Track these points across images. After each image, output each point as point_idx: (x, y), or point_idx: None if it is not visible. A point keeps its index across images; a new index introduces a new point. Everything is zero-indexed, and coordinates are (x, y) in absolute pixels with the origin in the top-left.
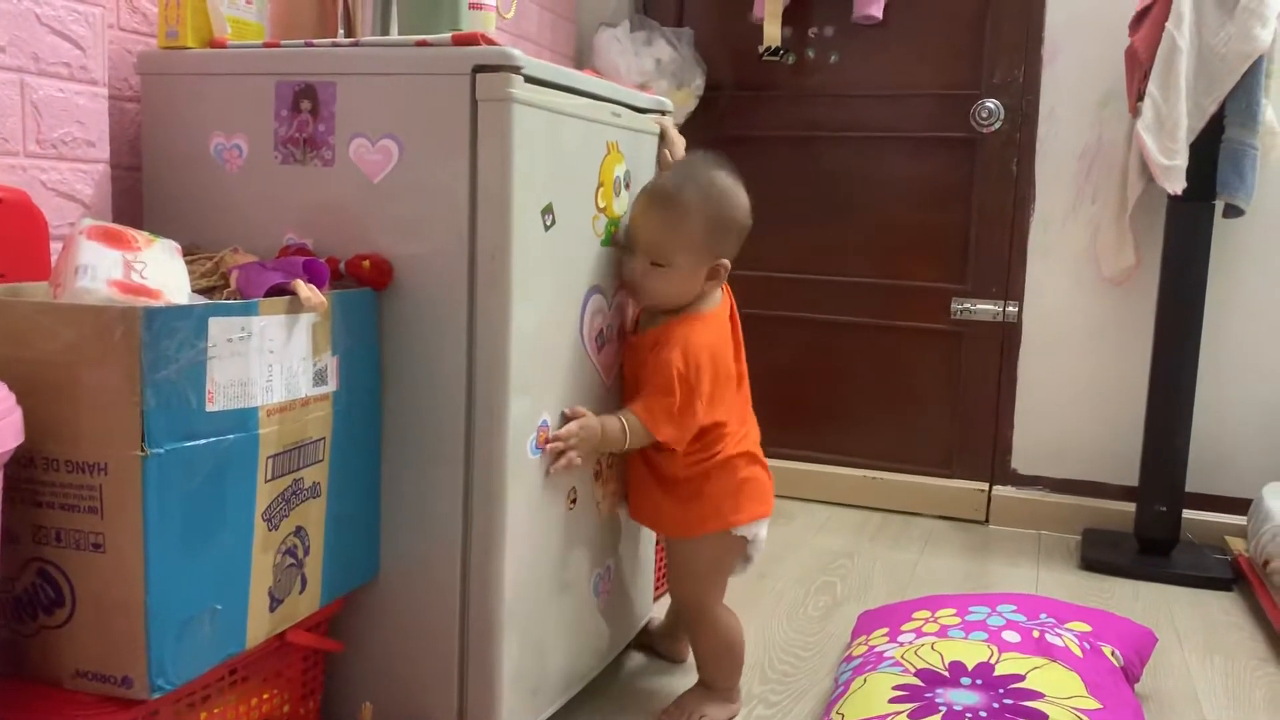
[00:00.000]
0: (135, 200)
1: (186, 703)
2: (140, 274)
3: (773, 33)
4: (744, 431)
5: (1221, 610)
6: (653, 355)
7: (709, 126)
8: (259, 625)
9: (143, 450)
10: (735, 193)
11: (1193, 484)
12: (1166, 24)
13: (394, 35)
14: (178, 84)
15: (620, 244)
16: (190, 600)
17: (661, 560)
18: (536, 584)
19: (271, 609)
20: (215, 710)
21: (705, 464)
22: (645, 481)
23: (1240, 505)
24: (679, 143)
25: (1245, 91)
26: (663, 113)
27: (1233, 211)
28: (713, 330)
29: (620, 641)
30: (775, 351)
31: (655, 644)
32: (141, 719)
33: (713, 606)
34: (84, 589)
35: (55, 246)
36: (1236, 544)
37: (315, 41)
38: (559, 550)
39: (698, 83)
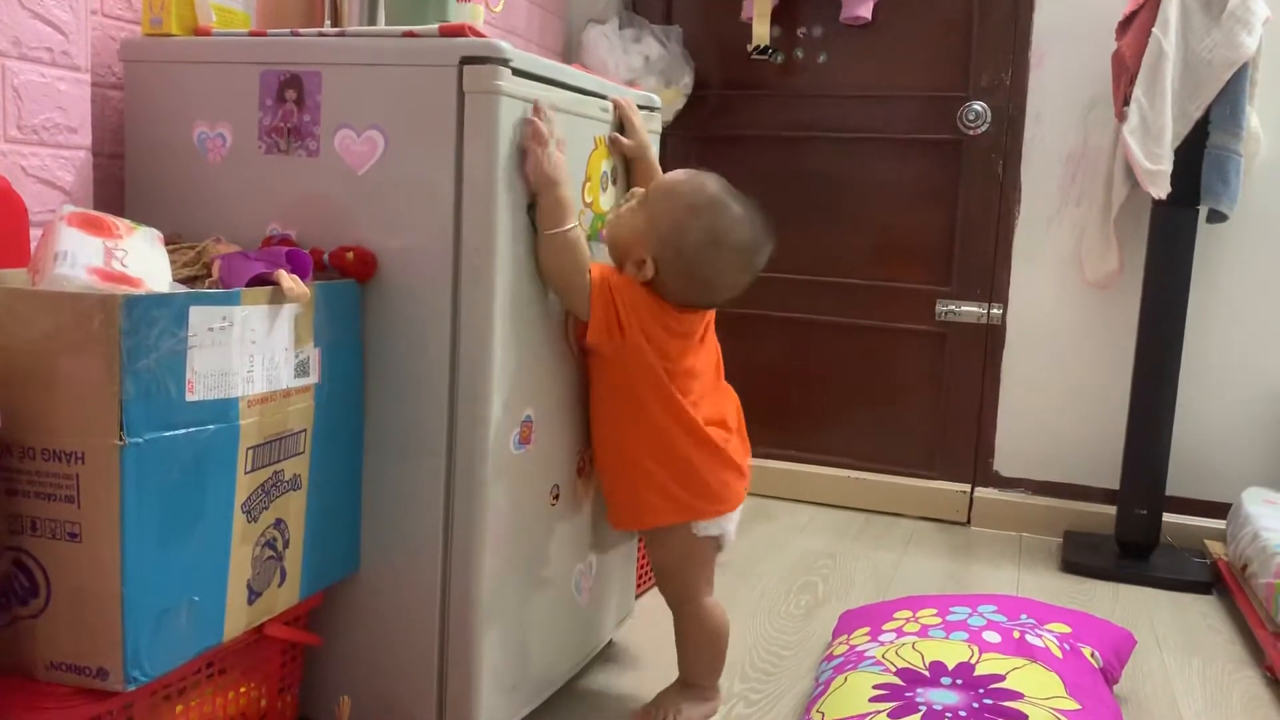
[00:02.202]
0: (117, 188)
1: (162, 695)
2: (121, 262)
3: (761, 32)
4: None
5: (1200, 613)
6: None
7: (697, 125)
8: (237, 618)
9: (121, 439)
10: (721, 250)
11: (1173, 488)
12: (1153, 29)
13: (381, 26)
14: (162, 72)
15: None
16: (167, 592)
17: (645, 557)
18: (518, 580)
19: (250, 601)
20: (191, 703)
21: (654, 451)
22: (605, 472)
23: (1220, 509)
24: (640, 130)
25: (1230, 98)
26: (652, 109)
27: (1216, 217)
28: (652, 301)
29: (601, 639)
30: (759, 351)
31: None
32: (116, 711)
33: (697, 599)
34: (60, 579)
35: (35, 234)
36: (1216, 548)
37: (301, 31)
38: (540, 546)
39: (686, 81)
